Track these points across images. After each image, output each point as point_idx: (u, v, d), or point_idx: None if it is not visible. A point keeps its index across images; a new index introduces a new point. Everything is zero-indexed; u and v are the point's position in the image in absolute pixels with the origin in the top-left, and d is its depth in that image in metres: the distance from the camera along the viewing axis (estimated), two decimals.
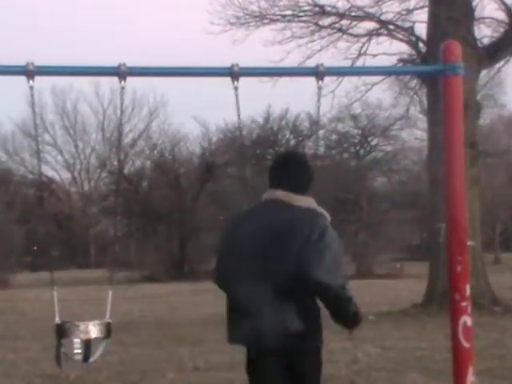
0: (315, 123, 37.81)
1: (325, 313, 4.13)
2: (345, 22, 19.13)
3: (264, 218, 4.17)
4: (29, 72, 4.28)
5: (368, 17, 18.99)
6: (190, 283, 31.46)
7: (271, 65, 15.32)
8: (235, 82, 4.45)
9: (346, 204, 39.22)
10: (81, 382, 8.92)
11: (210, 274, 4.43)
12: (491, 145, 40.09)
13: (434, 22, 16.97)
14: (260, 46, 19.54)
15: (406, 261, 38.90)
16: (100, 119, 54.41)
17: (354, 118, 41.66)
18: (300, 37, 19.01)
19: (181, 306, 20.42)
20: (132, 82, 4.46)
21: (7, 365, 10.41)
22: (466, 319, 4.54)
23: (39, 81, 4.33)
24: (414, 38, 18.71)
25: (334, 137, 44.11)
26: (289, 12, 19.05)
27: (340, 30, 19.20)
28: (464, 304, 4.55)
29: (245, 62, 4.50)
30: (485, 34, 18.32)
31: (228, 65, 4.45)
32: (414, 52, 19.05)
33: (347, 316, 3.98)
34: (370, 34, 19.25)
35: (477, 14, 17.66)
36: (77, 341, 4.32)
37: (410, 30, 18.84)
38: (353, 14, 18.91)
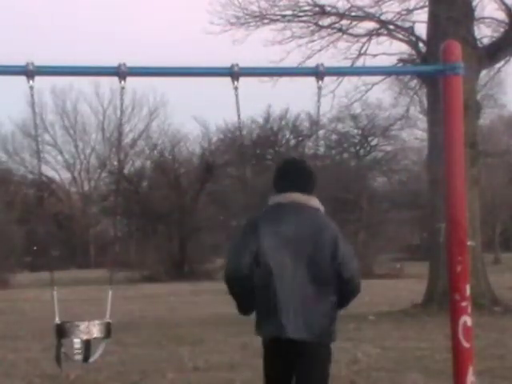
0: (315, 123, 37.85)
1: None
2: (345, 22, 19.13)
3: (289, 220, 4.46)
4: (29, 72, 4.28)
5: (368, 17, 18.98)
6: (190, 283, 31.47)
7: (271, 65, 15.34)
8: (235, 82, 4.45)
9: (346, 204, 39.22)
10: (81, 382, 8.92)
11: (224, 273, 4.57)
12: (491, 145, 40.12)
13: (433, 22, 16.96)
14: (260, 45, 19.55)
15: (406, 261, 38.89)
16: (100, 119, 54.49)
17: (354, 117, 41.66)
18: (300, 37, 19.01)
19: (181, 306, 20.41)
20: (132, 81, 4.47)
21: (7, 365, 10.40)
22: (466, 319, 4.55)
23: (39, 81, 4.34)
24: (414, 38, 18.70)
25: (334, 137, 44.14)
26: (289, 12, 19.05)
27: (340, 29, 19.19)
28: (464, 304, 4.55)
29: (245, 61, 4.51)
30: (485, 34, 18.34)
31: (228, 65, 4.46)
32: (414, 52, 19.04)
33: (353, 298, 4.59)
34: (370, 34, 19.24)
35: (477, 14, 17.66)
36: (77, 341, 4.33)
37: (410, 30, 18.83)
38: (353, 13, 18.90)
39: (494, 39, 18.10)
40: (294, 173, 4.62)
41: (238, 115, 4.57)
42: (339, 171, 39.31)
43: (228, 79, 4.46)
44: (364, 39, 19.27)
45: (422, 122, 29.78)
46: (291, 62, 18.23)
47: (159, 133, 48.65)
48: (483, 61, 17.24)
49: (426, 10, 17.84)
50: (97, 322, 4.42)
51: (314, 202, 4.56)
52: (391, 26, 19.11)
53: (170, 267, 39.28)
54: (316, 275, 4.38)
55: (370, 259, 38.14)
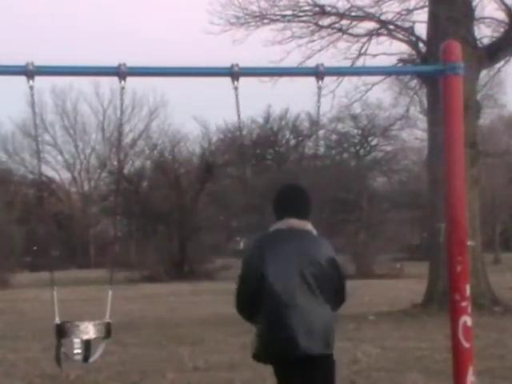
0: (315, 123, 37.87)
1: None
2: (345, 22, 19.13)
3: (290, 243, 4.62)
4: (29, 72, 4.28)
5: (368, 17, 18.97)
6: (190, 283, 31.47)
7: (271, 65, 15.33)
8: (235, 82, 4.45)
9: (346, 204, 39.24)
10: (81, 382, 8.92)
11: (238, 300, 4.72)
12: (491, 145, 40.10)
13: (433, 22, 16.96)
14: (260, 45, 19.54)
15: (405, 261, 38.90)
16: (100, 119, 54.49)
17: (354, 117, 41.66)
18: (300, 37, 19.01)
19: (181, 306, 20.41)
20: (132, 81, 4.47)
21: (7, 365, 10.40)
22: (466, 319, 4.54)
23: (39, 81, 4.34)
24: (414, 38, 18.70)
25: (334, 137, 44.16)
26: (289, 12, 19.05)
27: (340, 29, 19.19)
28: (464, 304, 4.55)
29: (245, 61, 4.51)
30: (485, 34, 18.34)
31: (228, 65, 4.46)
32: (414, 52, 19.04)
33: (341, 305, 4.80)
34: (370, 34, 19.23)
35: (477, 14, 17.66)
36: (77, 341, 4.33)
37: (410, 30, 18.83)
38: (353, 14, 18.90)
39: (494, 39, 18.10)
40: (291, 201, 4.75)
41: (238, 115, 4.58)
42: (339, 171, 39.32)
43: (228, 79, 4.46)
44: (364, 39, 19.27)
45: (422, 122, 29.78)
46: (291, 62, 18.26)
47: (159, 133, 48.71)
48: (483, 61, 17.23)
49: (426, 10, 17.84)
50: (97, 322, 4.42)
51: (310, 226, 4.74)
52: (391, 26, 19.10)
53: (170, 267, 39.29)
54: (317, 288, 4.52)
55: (370, 259, 38.17)
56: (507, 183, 45.14)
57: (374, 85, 20.91)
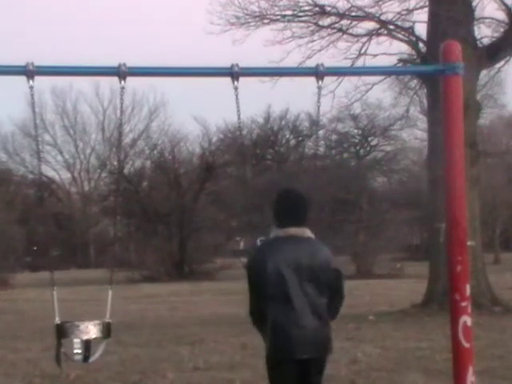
0: (315, 123, 37.88)
1: None
2: (345, 22, 19.10)
3: (290, 249, 4.70)
4: (29, 72, 4.28)
5: (368, 17, 18.95)
6: (190, 283, 31.47)
7: (271, 65, 15.33)
8: (235, 82, 4.45)
9: (346, 204, 39.19)
10: (81, 382, 8.92)
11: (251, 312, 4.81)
12: (491, 145, 40.10)
13: (433, 22, 16.95)
14: (260, 45, 19.52)
15: (405, 261, 38.89)
16: (100, 119, 54.56)
17: (354, 117, 41.63)
18: (300, 37, 18.99)
19: (181, 306, 20.40)
20: (132, 81, 4.47)
21: (7, 365, 10.40)
22: (466, 319, 4.54)
23: (39, 81, 4.34)
24: (414, 38, 18.69)
25: (334, 137, 44.10)
26: (289, 12, 19.03)
27: (340, 29, 19.17)
28: (464, 304, 4.55)
29: (245, 62, 4.51)
30: (485, 34, 18.31)
31: (228, 65, 4.46)
32: (414, 52, 19.03)
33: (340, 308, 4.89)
34: (370, 34, 19.22)
35: (477, 14, 17.65)
36: (77, 341, 4.33)
37: (410, 30, 18.82)
38: (353, 14, 18.88)
39: (493, 39, 18.09)
40: (290, 211, 4.78)
41: (238, 115, 4.58)
42: (339, 171, 39.29)
43: (228, 79, 4.46)
44: (364, 39, 19.25)
45: (422, 122, 29.82)
46: (291, 62, 18.24)
47: (159, 133, 48.76)
48: (483, 61, 17.22)
49: (426, 10, 17.83)
50: (97, 322, 4.42)
51: (308, 233, 4.81)
52: (391, 26, 19.09)
53: (170, 267, 39.28)
54: (318, 292, 4.61)
55: (370, 259, 38.16)
56: (507, 183, 45.12)
57: (374, 85, 20.88)
